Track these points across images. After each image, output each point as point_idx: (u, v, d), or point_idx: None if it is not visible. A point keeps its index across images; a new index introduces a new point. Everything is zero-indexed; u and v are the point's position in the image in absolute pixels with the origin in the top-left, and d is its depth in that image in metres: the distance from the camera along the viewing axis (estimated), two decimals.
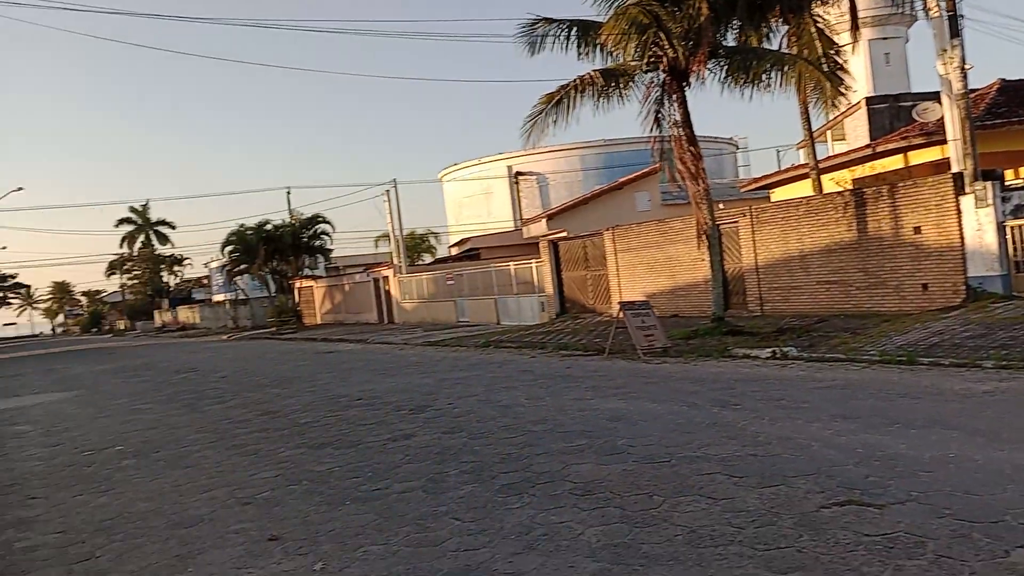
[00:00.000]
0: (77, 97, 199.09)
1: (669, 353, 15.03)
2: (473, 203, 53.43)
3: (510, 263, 29.47)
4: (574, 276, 26.61)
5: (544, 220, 32.22)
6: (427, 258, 56.29)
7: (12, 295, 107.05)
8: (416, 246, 56.28)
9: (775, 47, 18.88)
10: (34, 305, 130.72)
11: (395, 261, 39.31)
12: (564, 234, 28.16)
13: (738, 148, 55.17)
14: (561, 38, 16.95)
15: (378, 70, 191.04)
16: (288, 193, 48.68)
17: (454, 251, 48.41)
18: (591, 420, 9.21)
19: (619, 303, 17.44)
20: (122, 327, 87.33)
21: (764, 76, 15.88)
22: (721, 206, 21.28)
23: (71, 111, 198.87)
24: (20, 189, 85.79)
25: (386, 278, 39.26)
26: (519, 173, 50.36)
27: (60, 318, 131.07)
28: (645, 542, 5.07)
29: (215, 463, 8.87)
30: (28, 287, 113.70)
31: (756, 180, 30.68)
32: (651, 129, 16.98)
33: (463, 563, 5.05)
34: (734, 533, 5.08)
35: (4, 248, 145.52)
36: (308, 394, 14.29)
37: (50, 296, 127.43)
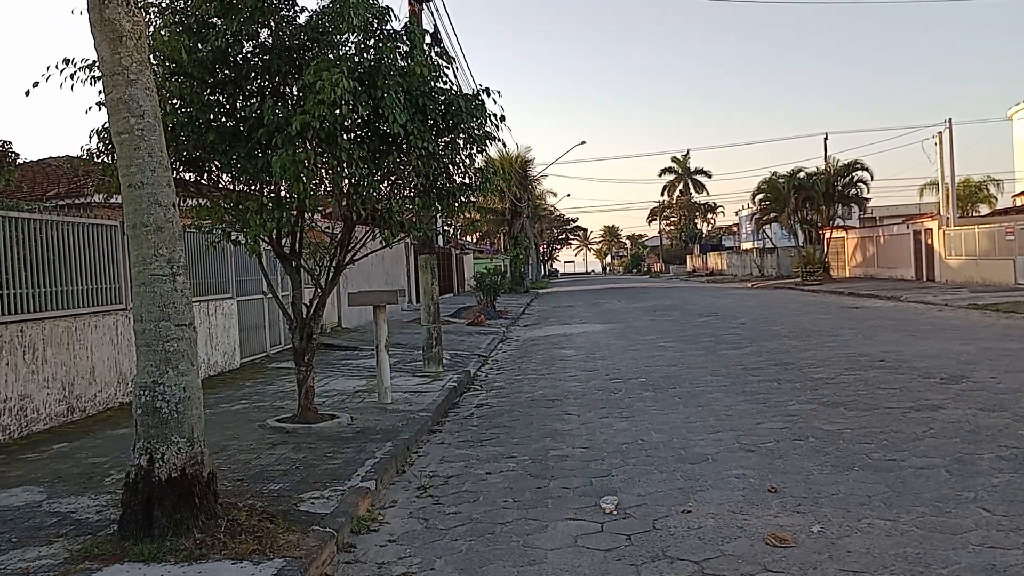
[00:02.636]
0: (627, 54, 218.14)
1: None
2: None
3: None
4: None
5: None
6: (983, 209, 49.06)
7: (572, 237, 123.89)
8: (970, 195, 49.32)
9: None
10: (588, 246, 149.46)
11: (942, 212, 35.11)
12: None
13: None
14: None
15: None
16: (825, 139, 46.75)
17: (1019, 201, 41.37)
18: None
19: None
20: (657, 270, 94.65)
21: None
22: None
23: (625, 68, 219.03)
24: (583, 143, 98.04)
25: (929, 230, 35.38)
26: None
27: (608, 259, 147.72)
28: None
29: (725, 406, 9.08)
30: (585, 230, 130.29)
31: None
32: None
33: (986, 561, 4.34)
34: None
35: (568, 195, 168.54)
36: (827, 349, 13.71)
37: (601, 239, 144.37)
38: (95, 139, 7.65)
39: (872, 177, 43.10)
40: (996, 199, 49.62)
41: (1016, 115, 49.51)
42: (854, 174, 43.43)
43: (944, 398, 8.84)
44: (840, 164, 44.17)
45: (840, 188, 43.46)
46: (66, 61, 7.02)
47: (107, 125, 6.22)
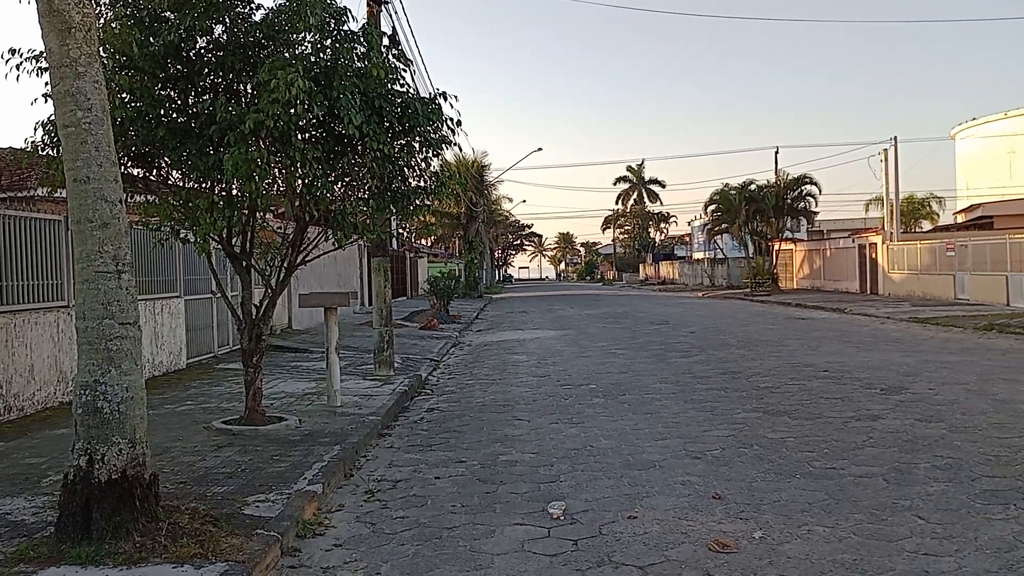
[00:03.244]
0: (583, 64, 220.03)
1: None
2: (991, 164, 46.36)
3: None
4: None
5: None
6: (925, 225, 50.50)
7: (527, 243, 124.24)
8: (913, 211, 50.75)
9: None
10: (543, 252, 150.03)
11: (886, 227, 36.06)
12: None
13: None
14: None
15: (877, 13, 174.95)
16: (776, 152, 47.76)
17: (960, 218, 42.69)
18: None
19: None
20: (611, 278, 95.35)
21: None
22: None
23: (581, 77, 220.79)
24: (539, 150, 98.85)
25: (873, 245, 36.32)
26: None
27: (562, 265, 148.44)
28: None
29: (673, 413, 9.20)
30: (540, 236, 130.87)
31: None
32: None
33: (920, 568, 4.47)
34: None
35: (524, 201, 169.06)
36: (773, 359, 13.99)
37: (556, 245, 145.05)
38: (40, 131, 7.46)
39: (820, 191, 44.18)
40: (938, 216, 51.19)
41: (959, 135, 51.26)
42: (803, 188, 44.42)
43: (884, 408, 9.08)
44: (790, 178, 45.17)
45: (790, 201, 44.40)
46: (12, 51, 6.83)
47: (53, 117, 6.07)
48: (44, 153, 7.55)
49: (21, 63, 6.86)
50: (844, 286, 38.98)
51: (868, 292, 35.98)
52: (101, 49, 6.23)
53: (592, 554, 4.87)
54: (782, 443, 7.54)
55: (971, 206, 41.29)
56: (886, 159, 36.09)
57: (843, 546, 4.84)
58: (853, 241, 39.07)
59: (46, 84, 6.09)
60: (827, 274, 42.19)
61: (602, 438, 8.05)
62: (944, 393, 9.97)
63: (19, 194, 12.23)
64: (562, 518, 5.54)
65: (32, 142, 7.54)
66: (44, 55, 5.60)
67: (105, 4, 7.31)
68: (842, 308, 27.29)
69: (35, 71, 6.89)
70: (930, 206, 51.72)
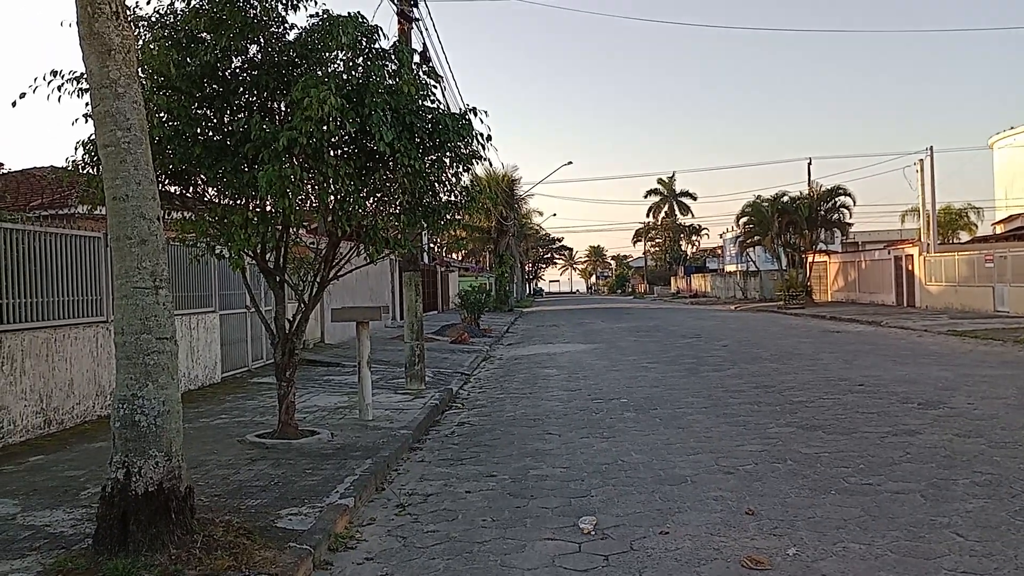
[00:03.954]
0: (613, 76, 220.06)
1: None
2: None
3: None
4: None
5: None
6: (963, 236, 49.64)
7: (558, 256, 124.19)
8: (951, 222, 49.89)
9: None
10: (574, 266, 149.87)
11: (923, 238, 35.50)
12: None
13: None
14: None
15: (914, 22, 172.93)
16: (809, 164, 47.21)
17: (998, 229, 41.92)
18: None
19: None
20: (642, 291, 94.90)
21: None
22: None
23: (611, 90, 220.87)
24: (570, 163, 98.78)
25: (910, 256, 35.77)
26: None
27: (593, 279, 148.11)
28: None
29: (705, 428, 9.12)
30: (570, 249, 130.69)
31: None
32: None
33: None
34: None
35: (554, 215, 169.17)
36: (807, 372, 13.81)
37: (586, 258, 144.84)
38: (81, 151, 7.65)
39: (855, 202, 43.59)
40: (976, 226, 50.27)
41: (997, 144, 50.35)
42: (837, 199, 43.91)
43: (921, 423, 8.92)
44: (823, 189, 44.66)
45: (823, 213, 43.91)
46: (54, 73, 7.03)
47: (93, 137, 6.22)
48: (84, 172, 7.73)
49: (63, 84, 7.05)
50: (880, 298, 38.40)
51: (904, 304, 35.41)
52: (140, 70, 6.39)
53: (623, 570, 4.84)
54: (816, 458, 7.44)
55: (1010, 216, 40.57)
56: (922, 169, 35.54)
57: (879, 564, 4.76)
58: (889, 253, 38.50)
59: (87, 104, 6.26)
60: (862, 286, 41.59)
61: (633, 452, 8.00)
62: (983, 408, 9.78)
63: (60, 212, 12.52)
64: (593, 533, 5.52)
65: (73, 161, 7.73)
66: (85, 76, 5.75)
67: (144, 26, 7.50)
68: (878, 321, 26.89)
69: (76, 92, 7.07)
70: (968, 216, 50.82)
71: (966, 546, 5.00)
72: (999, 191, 49.63)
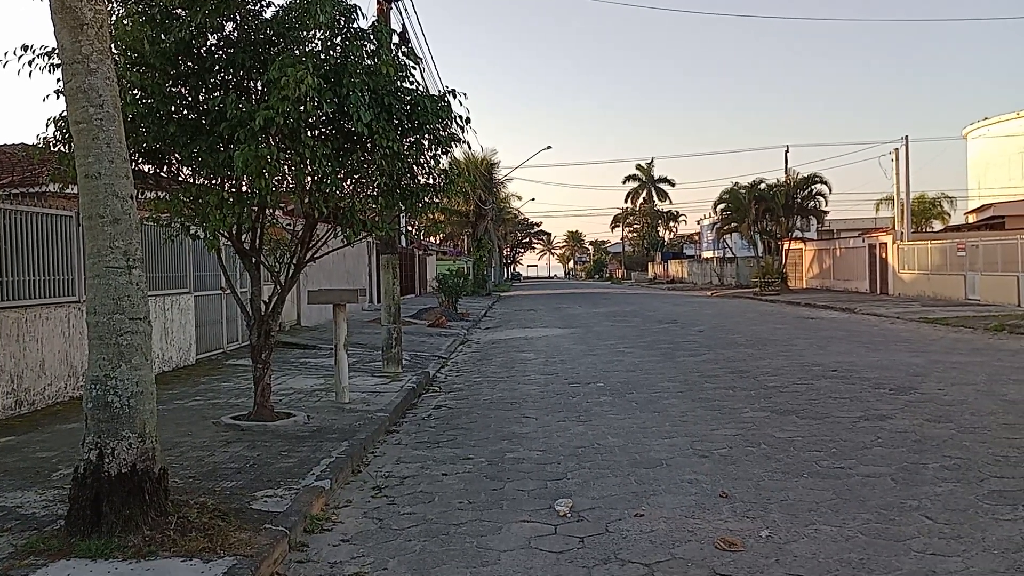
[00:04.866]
0: (593, 62, 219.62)
1: None
2: (1004, 164, 46.02)
3: None
4: None
5: None
6: (936, 225, 50.22)
7: (536, 241, 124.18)
8: (924, 211, 50.40)
9: None
10: (552, 251, 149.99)
11: (897, 227, 35.89)
12: None
13: None
14: None
15: (889, 12, 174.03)
16: (786, 152, 47.48)
17: (971, 218, 42.49)
18: None
19: None
20: (619, 276, 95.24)
21: None
22: None
23: (591, 75, 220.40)
24: (549, 147, 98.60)
25: (884, 245, 36.17)
26: None
27: (571, 264, 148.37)
28: None
29: (680, 412, 9.19)
30: (549, 235, 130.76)
31: None
32: None
33: (927, 568, 4.47)
34: None
35: (533, 199, 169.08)
36: (781, 358, 13.95)
37: (564, 244, 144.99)
38: (52, 127, 7.52)
39: (830, 191, 43.95)
40: (949, 216, 50.87)
41: (971, 134, 50.94)
42: (813, 187, 44.24)
43: (892, 408, 9.05)
44: (800, 177, 44.97)
45: (799, 200, 44.24)
46: (24, 48, 6.89)
47: (65, 113, 6.11)
48: (56, 149, 7.60)
49: (33, 59, 6.92)
50: (854, 286, 38.83)
51: (878, 292, 35.84)
52: (113, 46, 6.27)
53: (598, 551, 4.87)
54: (790, 442, 7.52)
55: (982, 206, 41.07)
56: (897, 158, 35.90)
57: (850, 545, 4.84)
58: (863, 241, 38.91)
59: (58, 80, 6.15)
60: (837, 274, 42.03)
61: (609, 436, 8.05)
62: (953, 393, 9.93)
63: (31, 190, 12.29)
64: (569, 515, 5.55)
65: (44, 138, 7.60)
66: (56, 51, 5.64)
67: (117, 1, 7.35)
68: (851, 308, 27.20)
69: (47, 67, 6.94)
70: (941, 206, 51.40)
71: (935, 528, 5.09)
72: (972, 181, 50.28)
